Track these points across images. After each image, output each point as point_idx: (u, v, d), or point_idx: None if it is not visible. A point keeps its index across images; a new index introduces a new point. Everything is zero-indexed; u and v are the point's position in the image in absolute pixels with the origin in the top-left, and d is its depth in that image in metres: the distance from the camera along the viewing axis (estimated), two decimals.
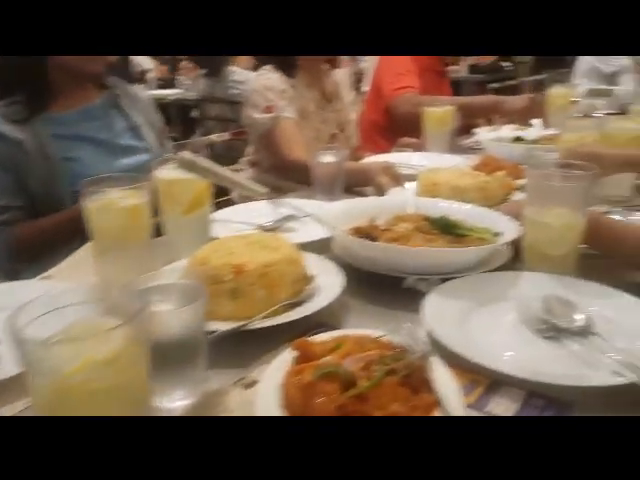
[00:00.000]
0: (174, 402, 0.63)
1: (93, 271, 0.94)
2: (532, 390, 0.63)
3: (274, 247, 0.83)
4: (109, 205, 0.88)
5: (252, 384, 0.66)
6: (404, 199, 1.12)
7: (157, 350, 0.61)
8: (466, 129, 2.06)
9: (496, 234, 0.96)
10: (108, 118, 1.44)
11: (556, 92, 1.95)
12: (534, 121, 1.90)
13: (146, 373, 0.54)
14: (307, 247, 1.01)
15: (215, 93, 3.75)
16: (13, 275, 1.25)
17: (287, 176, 1.73)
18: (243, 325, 0.73)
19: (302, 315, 0.75)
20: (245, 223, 1.21)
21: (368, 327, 0.75)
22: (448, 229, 0.97)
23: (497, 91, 3.77)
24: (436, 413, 0.56)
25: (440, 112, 1.77)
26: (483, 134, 1.83)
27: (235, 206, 1.34)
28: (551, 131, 1.68)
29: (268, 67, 1.77)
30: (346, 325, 0.82)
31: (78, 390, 0.49)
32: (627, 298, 0.78)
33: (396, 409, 0.56)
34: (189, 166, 0.93)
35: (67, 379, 0.48)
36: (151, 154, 1.45)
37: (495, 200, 1.17)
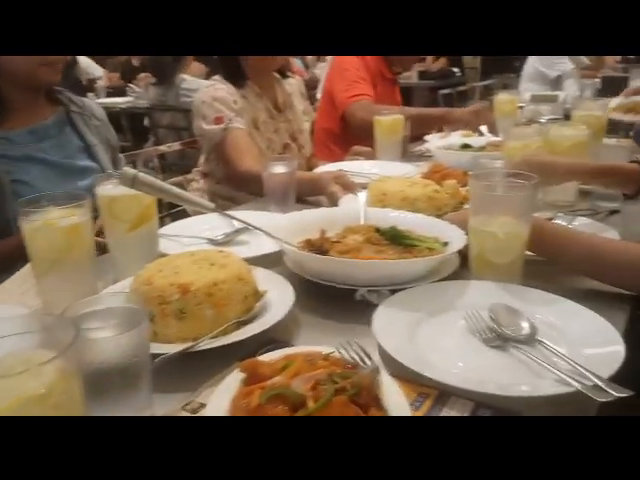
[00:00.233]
0: None
1: (33, 294, 0.90)
2: (480, 401, 0.63)
3: (222, 264, 0.81)
4: (47, 225, 0.84)
5: (199, 408, 0.64)
6: (355, 210, 1.12)
7: (97, 378, 0.59)
8: (418, 136, 2.09)
9: (445, 243, 0.97)
10: (61, 137, 1.38)
11: (502, 99, 2.00)
12: (482, 128, 1.94)
13: (82, 405, 0.52)
14: (259, 261, 1.00)
15: (166, 101, 3.69)
16: None
17: (240, 187, 1.72)
18: (190, 347, 0.72)
19: (251, 334, 0.74)
20: (195, 237, 1.19)
21: (320, 342, 0.75)
22: (398, 240, 0.97)
23: (447, 97, 3.85)
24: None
25: (390, 120, 1.78)
26: (433, 142, 1.86)
27: (185, 220, 1.32)
28: (498, 138, 1.72)
29: (217, 77, 1.75)
30: (297, 340, 0.81)
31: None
32: (570, 304, 0.80)
33: None
34: (132, 182, 0.90)
35: None
36: None
37: (445, 209, 1.19)
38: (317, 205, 1.45)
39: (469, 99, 3.95)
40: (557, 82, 3.63)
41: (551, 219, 1.15)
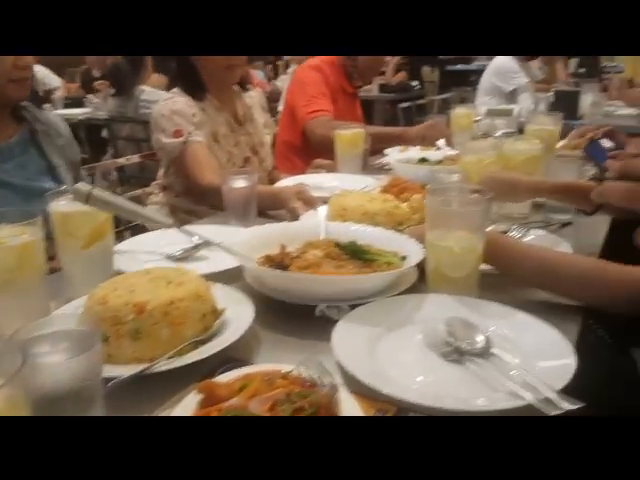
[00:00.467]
0: None
1: None
2: (438, 416, 0.64)
3: (179, 282, 0.80)
4: None
5: None
6: (315, 224, 1.13)
7: (47, 404, 0.57)
8: (378, 149, 2.11)
9: (403, 257, 0.98)
10: (25, 157, 1.33)
11: (459, 113, 2.05)
12: (440, 142, 1.98)
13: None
14: (218, 277, 0.99)
15: (125, 113, 3.63)
16: None
17: (200, 200, 1.70)
18: (145, 369, 0.70)
19: (209, 353, 0.73)
20: (153, 253, 1.16)
21: (280, 359, 0.74)
22: (357, 255, 0.98)
23: (406, 110, 3.92)
24: None
25: (350, 134, 1.80)
26: (392, 155, 1.89)
27: (143, 235, 1.29)
28: (455, 151, 1.76)
29: (176, 90, 1.73)
30: (257, 358, 0.80)
31: None
32: (524, 317, 0.82)
33: None
34: (86, 199, 0.88)
35: None
36: None
37: (409, 223, 1.20)
38: (278, 219, 1.44)
39: (428, 113, 4.03)
40: (512, 96, 3.74)
41: (506, 231, 1.18)
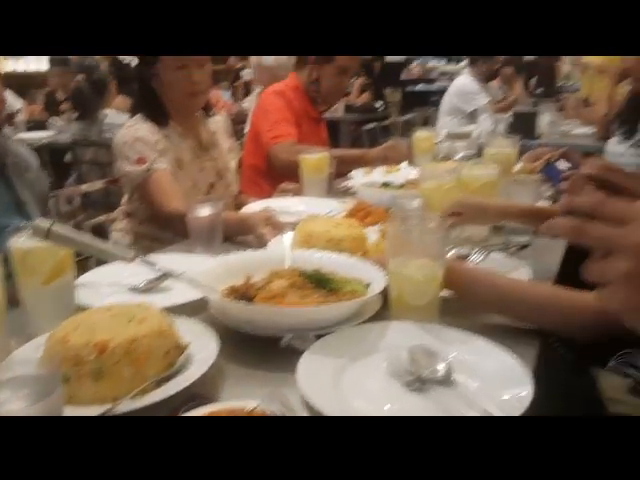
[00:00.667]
0: None
1: None
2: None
3: (141, 318, 0.79)
4: None
5: None
6: (280, 253, 1.13)
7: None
8: (343, 171, 2.14)
9: (367, 285, 0.99)
10: None
11: (420, 136, 2.10)
12: (402, 165, 2.02)
13: None
14: (183, 309, 0.99)
15: (89, 136, 3.60)
16: None
17: (165, 228, 1.69)
18: (108, 410, 0.69)
19: (173, 392, 0.72)
20: (116, 285, 1.15)
21: (246, 394, 0.75)
22: (322, 283, 0.99)
23: (371, 132, 3.98)
24: None
25: (316, 159, 1.82)
26: (356, 178, 1.91)
27: (106, 266, 1.27)
28: (416, 175, 1.79)
29: (138, 117, 1.73)
30: (223, 394, 0.80)
31: None
32: (484, 343, 0.84)
33: None
34: (45, 235, 0.87)
35: None
36: None
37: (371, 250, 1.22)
38: (246, 245, 1.45)
39: (392, 134, 4.10)
40: (473, 116, 3.85)
41: (467, 255, 1.21)
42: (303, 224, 1.27)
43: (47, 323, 0.87)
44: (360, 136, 4.17)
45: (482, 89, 4.07)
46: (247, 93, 5.70)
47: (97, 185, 2.26)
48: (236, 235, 1.48)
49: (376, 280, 0.98)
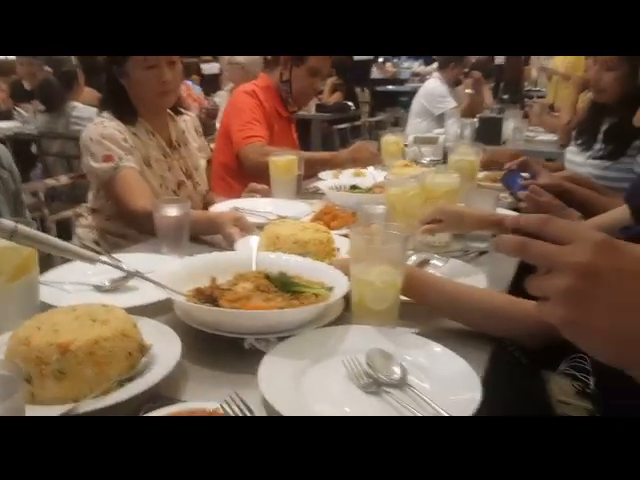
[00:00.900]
0: None
1: None
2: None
3: (104, 320, 0.80)
4: None
5: None
6: (247, 254, 1.15)
7: None
8: (312, 172, 2.16)
9: (330, 288, 1.02)
10: None
11: (389, 140, 2.14)
12: (370, 168, 2.05)
13: None
14: (147, 309, 1.00)
15: (56, 129, 3.52)
16: None
17: (131, 225, 1.69)
18: (70, 410, 0.70)
19: (135, 393, 0.74)
20: (80, 284, 1.15)
21: (209, 395, 0.77)
22: (286, 287, 1.01)
23: (342, 132, 4.02)
24: None
25: (285, 161, 1.84)
26: (324, 181, 1.94)
27: (71, 264, 1.27)
28: (383, 178, 1.83)
29: (106, 114, 1.72)
30: (185, 394, 0.81)
31: None
32: (438, 348, 0.88)
33: None
34: (10, 235, 0.87)
35: None
36: None
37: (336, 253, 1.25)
38: (213, 244, 1.46)
39: (363, 134, 4.15)
40: (441, 119, 3.92)
41: (428, 260, 1.25)
42: (270, 227, 1.29)
43: (11, 322, 0.87)
44: (331, 135, 4.20)
45: (450, 93, 4.15)
46: (217, 87, 5.66)
47: (63, 180, 2.23)
48: (204, 234, 1.50)
49: (339, 284, 1.01)
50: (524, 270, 1.27)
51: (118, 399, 0.72)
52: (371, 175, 1.94)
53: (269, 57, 2.45)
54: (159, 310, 1.01)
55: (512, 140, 3.08)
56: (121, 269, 1.09)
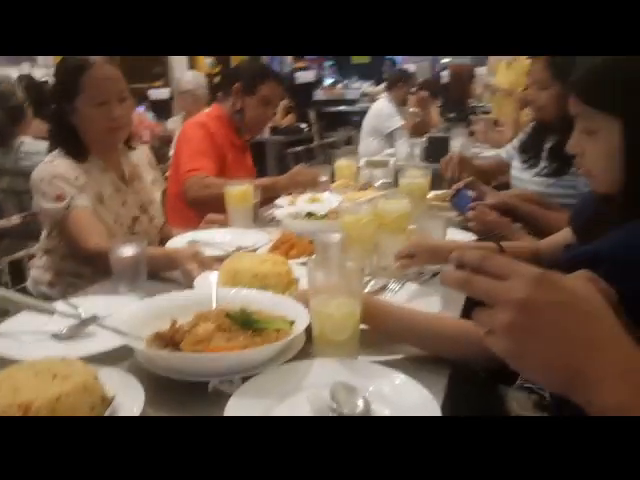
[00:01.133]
0: None
1: None
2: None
3: (65, 375, 0.80)
4: None
5: None
6: (205, 292, 1.15)
7: None
8: (268, 199, 2.18)
9: (292, 322, 1.04)
10: None
11: (342, 164, 2.18)
12: (325, 193, 2.09)
13: None
14: (108, 356, 0.99)
15: (4, 164, 3.43)
16: None
17: (86, 264, 1.66)
18: None
19: None
20: (38, 333, 1.13)
21: None
22: (248, 324, 1.02)
23: (296, 155, 4.06)
24: None
25: (240, 190, 1.85)
26: (281, 208, 1.96)
27: (24, 313, 1.24)
28: (337, 204, 1.86)
29: (56, 153, 1.70)
30: None
31: None
32: (397, 374, 0.91)
33: None
34: None
35: None
36: None
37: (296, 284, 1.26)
38: (171, 281, 1.45)
39: (317, 156, 4.21)
40: (391, 138, 4.02)
41: (385, 286, 1.29)
42: (229, 262, 1.30)
43: None
44: (285, 158, 4.24)
45: (398, 112, 4.27)
46: (168, 113, 5.62)
47: (14, 220, 2.17)
48: (162, 271, 1.49)
49: (300, 317, 1.02)
50: None
51: None
52: (327, 200, 1.98)
53: (220, 87, 2.47)
54: (120, 355, 1.01)
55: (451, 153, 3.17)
56: (79, 318, 1.07)
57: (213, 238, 1.73)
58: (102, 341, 1.07)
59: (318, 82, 7.07)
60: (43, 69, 5.68)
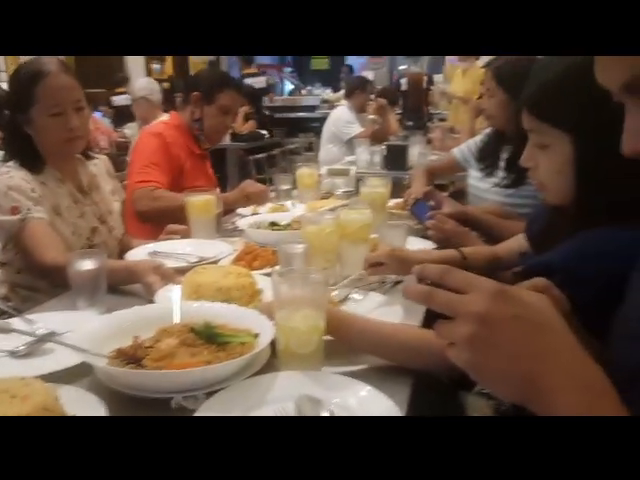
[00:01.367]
0: None
1: None
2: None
3: (24, 395, 0.77)
4: None
5: None
6: (168, 307, 1.14)
7: None
8: (229, 209, 2.17)
9: (256, 335, 1.04)
10: None
11: (303, 173, 2.19)
12: (288, 203, 2.10)
13: None
14: (68, 374, 0.97)
15: None
16: None
17: (42, 278, 1.62)
18: None
19: None
20: None
21: None
22: (212, 339, 1.01)
23: (258, 162, 4.06)
24: None
25: (202, 200, 1.84)
26: (244, 217, 1.96)
27: None
28: (299, 213, 1.88)
29: (12, 164, 1.65)
30: None
31: None
32: (360, 385, 0.92)
33: None
34: None
35: None
36: None
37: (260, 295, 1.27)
38: (132, 294, 1.43)
39: (279, 162, 4.21)
40: (351, 145, 4.06)
41: (347, 295, 1.31)
42: (191, 275, 1.29)
43: None
44: (247, 165, 4.22)
45: (357, 119, 4.33)
46: (130, 118, 5.53)
47: None
48: (122, 284, 1.47)
49: (265, 330, 1.02)
50: None
51: None
52: (290, 209, 1.99)
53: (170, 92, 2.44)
54: (80, 372, 0.99)
55: (417, 165, 3.23)
56: (36, 335, 1.05)
57: (174, 249, 1.71)
58: (61, 358, 1.04)
59: (269, 88, 7.10)
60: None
